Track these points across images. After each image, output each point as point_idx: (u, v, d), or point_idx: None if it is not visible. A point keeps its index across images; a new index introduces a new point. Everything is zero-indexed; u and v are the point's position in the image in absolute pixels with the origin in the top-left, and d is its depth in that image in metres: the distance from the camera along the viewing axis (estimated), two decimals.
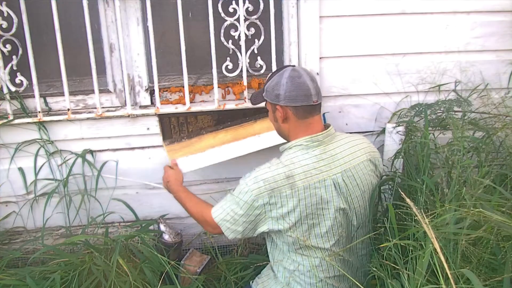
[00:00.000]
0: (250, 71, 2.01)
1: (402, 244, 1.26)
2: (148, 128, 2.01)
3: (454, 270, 1.05)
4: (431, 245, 1.06)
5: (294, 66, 1.57)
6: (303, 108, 1.48)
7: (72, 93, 1.98)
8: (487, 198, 1.28)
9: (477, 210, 1.12)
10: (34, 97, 1.90)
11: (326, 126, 1.53)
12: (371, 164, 1.56)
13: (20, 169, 1.99)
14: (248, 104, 1.97)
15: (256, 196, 1.42)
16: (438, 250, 0.92)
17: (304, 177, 1.42)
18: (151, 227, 2.15)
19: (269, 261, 1.66)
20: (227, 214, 1.50)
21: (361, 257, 1.60)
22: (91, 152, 2.02)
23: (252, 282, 1.70)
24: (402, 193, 1.29)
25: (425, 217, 1.00)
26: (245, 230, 1.49)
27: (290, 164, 1.44)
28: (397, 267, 1.28)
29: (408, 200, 1.07)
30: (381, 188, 1.65)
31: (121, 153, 2.05)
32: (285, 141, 1.60)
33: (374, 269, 1.38)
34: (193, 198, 1.69)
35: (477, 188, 1.32)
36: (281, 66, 1.61)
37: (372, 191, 1.56)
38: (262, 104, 1.68)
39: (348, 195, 1.48)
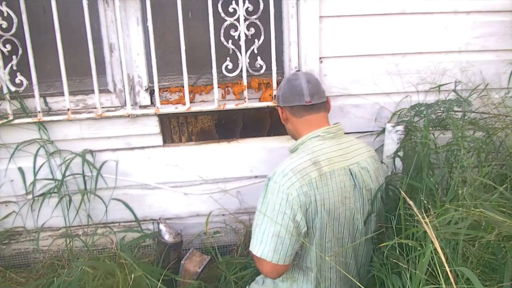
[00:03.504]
0: (250, 71, 2.00)
1: (403, 243, 1.26)
2: (148, 128, 2.01)
3: (454, 267, 1.05)
4: (431, 245, 1.06)
5: (299, 70, 1.63)
6: (297, 108, 1.56)
7: (72, 93, 1.98)
8: (487, 198, 1.28)
9: (477, 210, 1.12)
10: (34, 97, 1.90)
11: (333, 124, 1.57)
12: (375, 162, 1.59)
13: (20, 169, 1.99)
14: (247, 104, 1.97)
15: (288, 189, 1.34)
16: (439, 249, 0.92)
17: (329, 163, 1.43)
18: (151, 227, 2.15)
19: None
20: (268, 236, 1.34)
21: (361, 257, 1.60)
22: (91, 152, 2.02)
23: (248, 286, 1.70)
24: (403, 193, 1.29)
25: (425, 216, 1.00)
26: (286, 238, 1.33)
27: (312, 153, 1.45)
28: (399, 265, 1.28)
29: (408, 199, 1.07)
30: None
31: (121, 153, 2.05)
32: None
33: (375, 269, 1.38)
34: None
35: (477, 188, 1.32)
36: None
37: (379, 187, 1.56)
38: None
39: (363, 187, 1.49)
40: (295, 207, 1.34)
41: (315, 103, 1.55)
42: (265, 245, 1.35)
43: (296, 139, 1.61)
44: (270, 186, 1.38)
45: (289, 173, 1.37)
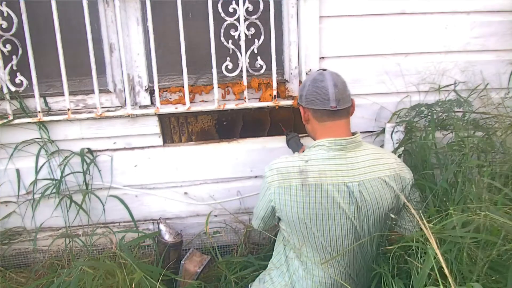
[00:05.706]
0: (250, 71, 2.00)
1: (410, 247, 1.25)
2: (148, 128, 2.01)
3: (460, 273, 1.04)
4: (428, 245, 1.06)
5: (325, 70, 1.57)
6: (321, 112, 1.49)
7: (72, 93, 1.98)
8: (494, 199, 1.26)
9: (483, 213, 1.10)
10: (34, 97, 1.90)
11: (353, 134, 1.52)
12: (392, 182, 1.48)
13: (20, 169, 1.99)
14: (247, 104, 1.97)
15: (269, 183, 1.47)
16: (439, 256, 0.92)
17: (318, 175, 1.42)
18: (151, 227, 2.16)
19: (269, 263, 1.65)
20: (256, 205, 1.60)
21: (368, 271, 1.58)
22: (91, 152, 2.02)
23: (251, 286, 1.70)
24: (403, 197, 1.29)
25: (425, 222, 1.00)
26: (265, 217, 1.55)
27: (307, 160, 1.45)
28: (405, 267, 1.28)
29: (410, 206, 1.06)
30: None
31: (121, 153, 2.05)
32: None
33: (381, 270, 1.37)
34: None
35: (482, 189, 1.30)
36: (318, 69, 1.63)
37: (388, 207, 1.49)
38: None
39: (363, 205, 1.44)
40: (271, 197, 1.48)
41: (340, 108, 1.47)
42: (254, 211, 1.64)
43: (314, 140, 1.58)
44: (264, 172, 1.53)
45: (273, 170, 1.48)
